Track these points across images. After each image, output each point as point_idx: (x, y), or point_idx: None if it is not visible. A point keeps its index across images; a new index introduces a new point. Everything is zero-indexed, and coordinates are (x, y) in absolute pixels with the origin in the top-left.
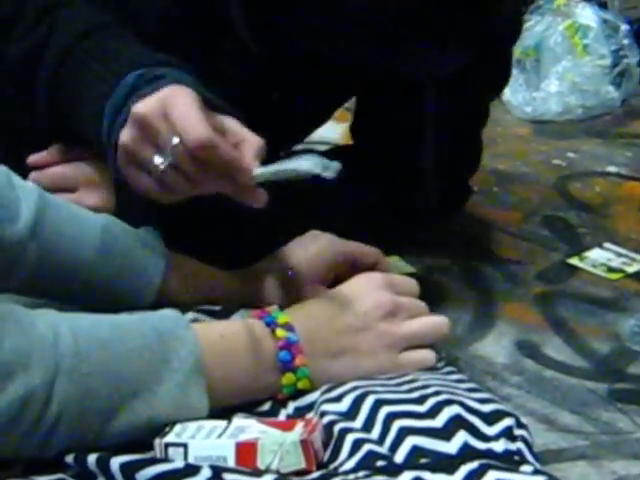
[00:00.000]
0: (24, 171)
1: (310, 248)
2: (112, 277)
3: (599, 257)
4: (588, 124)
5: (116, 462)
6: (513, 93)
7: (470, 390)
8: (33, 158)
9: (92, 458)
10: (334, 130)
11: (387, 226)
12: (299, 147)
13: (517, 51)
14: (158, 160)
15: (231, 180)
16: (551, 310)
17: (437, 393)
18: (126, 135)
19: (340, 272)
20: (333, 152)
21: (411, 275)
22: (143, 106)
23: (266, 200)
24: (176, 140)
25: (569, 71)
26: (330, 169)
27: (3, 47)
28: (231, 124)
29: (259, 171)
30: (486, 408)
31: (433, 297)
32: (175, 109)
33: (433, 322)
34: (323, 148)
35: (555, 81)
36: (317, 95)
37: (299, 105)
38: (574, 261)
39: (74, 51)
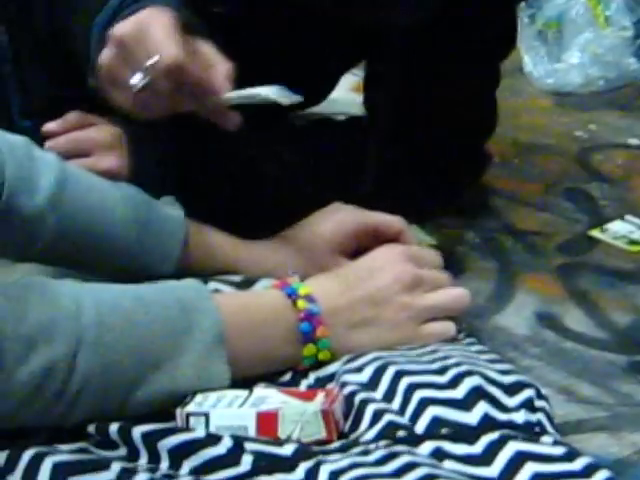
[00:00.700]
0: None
1: (332, 219)
2: (132, 247)
3: (620, 229)
4: (610, 96)
5: (138, 431)
6: (535, 65)
7: (491, 361)
8: (48, 126)
9: (114, 427)
10: (353, 101)
11: (407, 197)
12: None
13: (539, 22)
14: (135, 79)
15: (204, 101)
16: (572, 282)
17: (458, 364)
18: (105, 55)
19: (363, 243)
20: (349, 122)
21: (431, 246)
22: (121, 28)
23: (239, 123)
24: (151, 61)
25: (591, 43)
26: (287, 98)
27: None
28: (205, 48)
29: (229, 94)
30: (507, 379)
31: (453, 268)
32: (151, 31)
33: (454, 294)
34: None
35: (577, 53)
36: (324, 57)
37: (304, 68)
38: (595, 233)
39: None
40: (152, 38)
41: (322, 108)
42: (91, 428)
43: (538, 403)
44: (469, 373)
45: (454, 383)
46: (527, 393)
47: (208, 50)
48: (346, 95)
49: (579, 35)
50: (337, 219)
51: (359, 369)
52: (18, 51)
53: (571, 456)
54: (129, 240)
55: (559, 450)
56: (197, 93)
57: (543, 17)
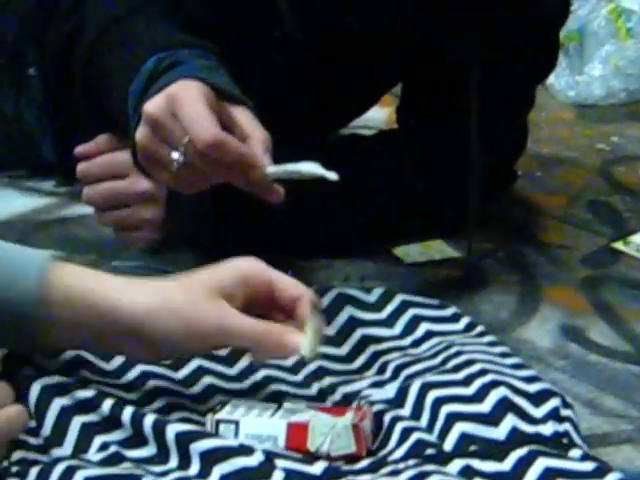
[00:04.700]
0: (73, 162)
1: (225, 267)
2: None
3: None
4: (632, 108)
5: (172, 430)
6: (556, 77)
7: (515, 366)
8: (80, 148)
9: (149, 421)
10: (378, 114)
11: (431, 211)
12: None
13: (560, 35)
14: (173, 158)
15: (244, 176)
16: (596, 294)
17: (483, 372)
18: (140, 134)
19: (257, 299)
20: (378, 136)
21: (455, 259)
22: (152, 105)
23: (282, 196)
24: (187, 138)
25: (612, 55)
26: (332, 173)
27: (42, 35)
28: (241, 116)
29: (271, 169)
30: (532, 388)
31: (477, 282)
32: (183, 108)
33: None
34: (368, 132)
35: (598, 65)
36: (364, 81)
37: (346, 90)
38: (618, 245)
39: (103, 37)
40: (185, 116)
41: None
42: (126, 417)
43: (564, 412)
44: (495, 384)
45: (480, 396)
46: (553, 402)
47: (244, 118)
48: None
49: (601, 47)
50: (234, 268)
51: (383, 383)
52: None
53: (601, 472)
54: None
55: (589, 466)
56: (237, 168)
57: (564, 29)
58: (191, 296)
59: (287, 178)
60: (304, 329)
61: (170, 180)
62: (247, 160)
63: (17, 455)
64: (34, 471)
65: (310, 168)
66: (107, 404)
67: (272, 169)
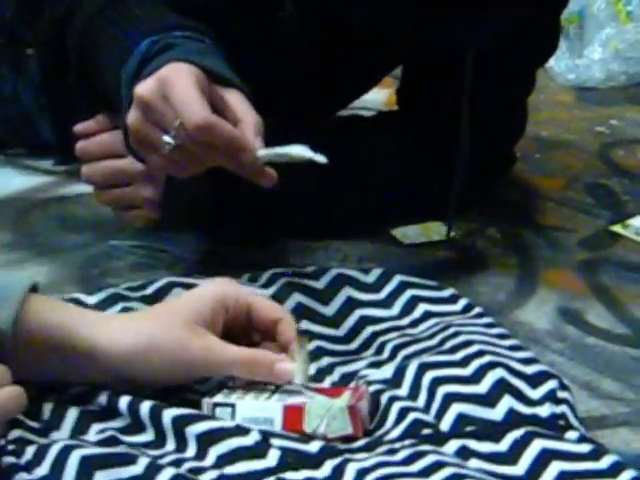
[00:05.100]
0: (70, 142)
1: (202, 293)
2: None
3: None
4: (631, 91)
5: (169, 415)
6: (556, 60)
7: (512, 348)
8: (80, 126)
9: (145, 407)
10: (377, 95)
11: (430, 192)
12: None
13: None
14: (164, 141)
15: (236, 159)
16: (593, 277)
17: (480, 353)
18: (132, 117)
19: (237, 322)
20: (378, 118)
21: (451, 240)
22: (143, 88)
23: (275, 180)
24: (178, 122)
25: (613, 38)
26: (321, 156)
27: (37, 18)
28: (233, 99)
29: (262, 153)
30: (530, 370)
31: (475, 263)
32: (174, 91)
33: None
34: (367, 113)
35: (598, 48)
36: (364, 63)
37: (346, 72)
38: (617, 228)
39: (97, 19)
40: (176, 99)
41: None
42: (123, 405)
43: (561, 394)
44: (492, 365)
45: (478, 376)
46: (550, 384)
47: (237, 101)
48: None
49: (601, 30)
50: (210, 294)
51: (381, 364)
52: (46, 76)
53: (597, 454)
54: None
55: (585, 448)
56: (228, 151)
57: (564, 12)
58: (173, 332)
59: (278, 161)
60: (291, 355)
61: (162, 164)
62: (238, 143)
63: (14, 434)
64: (30, 450)
65: (300, 151)
66: (103, 395)
67: (263, 152)
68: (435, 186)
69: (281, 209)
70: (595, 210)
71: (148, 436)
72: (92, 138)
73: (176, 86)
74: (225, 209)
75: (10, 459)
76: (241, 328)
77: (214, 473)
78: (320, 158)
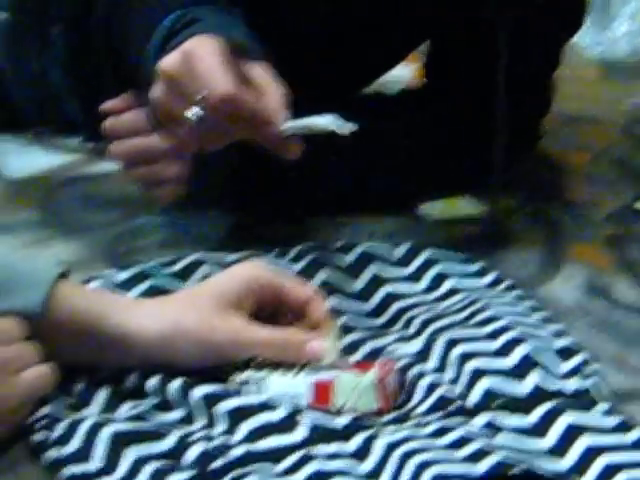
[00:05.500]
0: (97, 120)
1: (233, 275)
2: None
3: None
4: None
5: (198, 392)
6: (582, 34)
7: (541, 322)
8: (106, 105)
9: (175, 385)
10: (404, 71)
11: (456, 167)
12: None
13: None
14: (189, 114)
15: (260, 132)
16: (619, 252)
17: (508, 327)
18: (157, 91)
19: (266, 304)
20: (405, 93)
21: (481, 216)
22: (167, 62)
23: (300, 152)
24: (203, 94)
25: (639, 12)
26: (346, 128)
27: None
28: (258, 72)
29: (287, 125)
30: (558, 343)
31: (501, 238)
32: (198, 63)
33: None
34: (393, 89)
35: (625, 22)
36: (391, 38)
37: (374, 48)
38: None
39: None
40: (200, 71)
41: None
42: (152, 384)
43: (589, 368)
44: (520, 340)
45: (506, 350)
46: (578, 358)
47: (262, 74)
48: None
49: (627, 4)
50: (239, 276)
51: (409, 338)
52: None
53: (625, 428)
54: None
55: (612, 421)
56: (253, 124)
57: None
58: (202, 314)
59: (303, 133)
60: (322, 335)
61: (187, 138)
62: (262, 116)
63: (44, 410)
64: (61, 426)
65: (324, 122)
66: (133, 376)
67: (287, 125)
68: (464, 160)
69: (306, 187)
70: (620, 186)
71: (178, 413)
72: (119, 116)
73: (201, 59)
74: (252, 187)
75: (41, 436)
76: (271, 309)
77: (243, 448)
78: (344, 130)
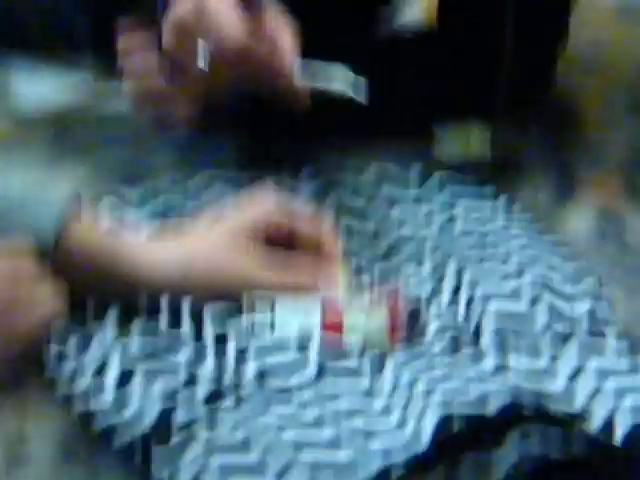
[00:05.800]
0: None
1: (253, 206)
2: None
3: None
4: None
5: (210, 332)
6: None
7: (552, 244)
8: (123, 43)
9: (186, 324)
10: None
11: (466, 112)
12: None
13: None
14: (200, 63)
15: (271, 84)
16: (635, 181)
17: (520, 248)
18: (167, 39)
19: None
20: (416, 37)
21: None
22: (179, 10)
23: (307, 105)
24: (214, 43)
25: None
26: (360, 90)
27: None
28: (271, 22)
29: (300, 79)
30: (570, 266)
31: (513, 171)
32: (210, 13)
33: None
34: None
35: None
36: None
37: None
38: None
39: None
40: (212, 20)
41: None
42: (162, 325)
43: (601, 291)
44: (532, 261)
45: (517, 272)
46: (591, 281)
47: (276, 21)
48: None
49: None
50: (251, 215)
51: (421, 260)
52: None
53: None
54: None
55: (623, 344)
56: (264, 75)
57: None
58: (212, 260)
59: (316, 93)
60: (336, 275)
61: (199, 88)
62: (273, 68)
63: (58, 325)
64: (74, 340)
65: (340, 87)
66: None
67: (300, 79)
68: (477, 103)
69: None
70: (636, 130)
71: (187, 353)
72: (136, 55)
73: (213, 7)
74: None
75: (56, 347)
76: (285, 239)
77: (253, 387)
78: (360, 98)
